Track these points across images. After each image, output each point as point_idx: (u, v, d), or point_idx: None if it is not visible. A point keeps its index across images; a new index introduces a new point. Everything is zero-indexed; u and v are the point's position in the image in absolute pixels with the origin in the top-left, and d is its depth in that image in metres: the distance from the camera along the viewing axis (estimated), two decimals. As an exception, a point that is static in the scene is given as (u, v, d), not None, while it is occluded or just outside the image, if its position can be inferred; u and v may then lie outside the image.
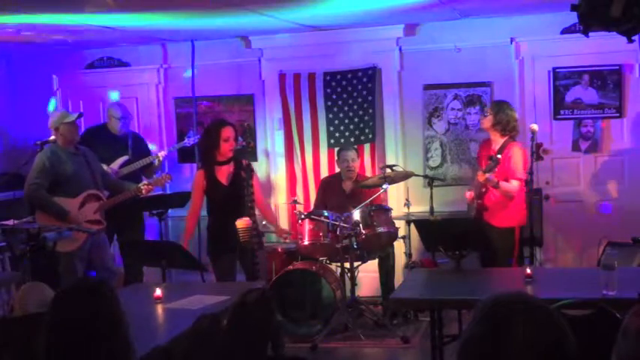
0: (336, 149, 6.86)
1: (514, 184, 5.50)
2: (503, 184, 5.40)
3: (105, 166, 6.31)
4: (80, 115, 5.86)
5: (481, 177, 5.34)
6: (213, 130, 5.48)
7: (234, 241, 5.13)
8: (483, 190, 5.55)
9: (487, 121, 5.67)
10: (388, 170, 6.21)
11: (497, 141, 5.64)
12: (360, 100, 7.06)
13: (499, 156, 5.29)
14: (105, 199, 5.78)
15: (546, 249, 6.67)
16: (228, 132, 5.40)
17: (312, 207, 6.75)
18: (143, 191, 5.84)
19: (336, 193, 6.58)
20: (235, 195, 5.33)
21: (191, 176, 7.20)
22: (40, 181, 5.61)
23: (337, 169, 6.76)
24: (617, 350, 1.67)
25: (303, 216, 6.01)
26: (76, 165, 5.69)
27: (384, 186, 6.14)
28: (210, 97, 7.49)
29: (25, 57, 7.78)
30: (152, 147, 7.29)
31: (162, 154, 6.80)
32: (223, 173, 5.53)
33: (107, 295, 2.21)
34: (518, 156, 5.52)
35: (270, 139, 7.35)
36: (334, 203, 6.43)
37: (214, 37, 7.21)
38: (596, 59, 6.56)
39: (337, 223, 5.87)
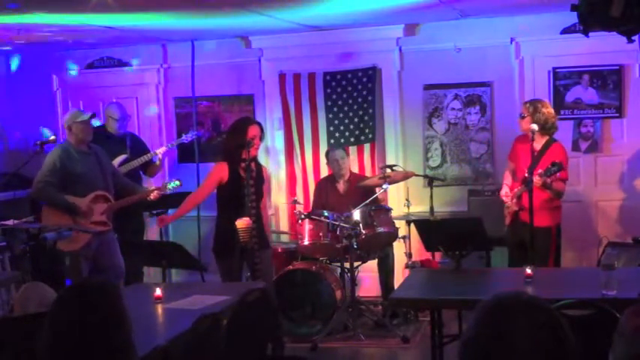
0: (324, 152, 6.85)
1: (563, 185, 5.44)
2: (556, 185, 5.30)
3: None
4: (93, 116, 5.83)
5: (538, 181, 5.13)
6: (241, 127, 5.33)
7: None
8: (524, 191, 5.48)
9: (525, 123, 5.46)
10: (388, 170, 6.21)
11: (538, 140, 5.46)
12: (360, 100, 7.06)
13: (559, 161, 5.15)
14: (113, 200, 5.74)
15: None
16: (255, 130, 5.29)
17: (310, 208, 6.75)
18: (151, 197, 5.80)
19: (331, 193, 6.59)
20: (257, 194, 5.26)
21: (191, 176, 7.23)
22: (49, 179, 5.60)
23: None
24: (614, 350, 1.67)
25: (303, 216, 6.00)
26: (87, 164, 5.68)
27: (384, 186, 6.15)
28: (210, 97, 7.49)
29: (25, 57, 7.79)
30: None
31: (160, 150, 6.79)
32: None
33: (111, 295, 2.21)
34: (563, 157, 5.41)
35: (270, 139, 7.34)
36: (330, 203, 6.44)
37: (214, 37, 7.21)
38: (596, 59, 6.56)
39: (337, 223, 5.88)
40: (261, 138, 5.37)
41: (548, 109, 5.51)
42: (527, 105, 5.55)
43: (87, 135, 5.73)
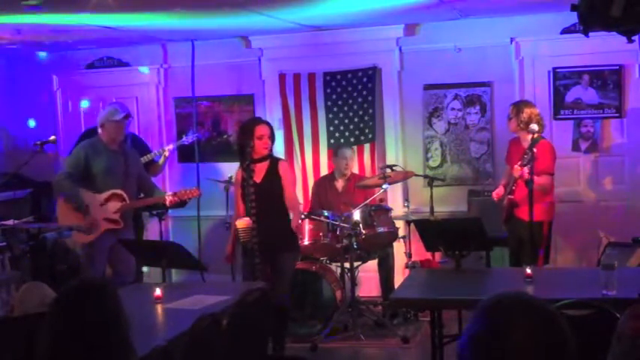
0: (334, 148, 6.88)
1: (546, 178, 5.54)
2: (537, 179, 5.36)
3: None
4: (127, 116, 5.82)
5: (516, 172, 5.33)
6: (248, 127, 5.31)
7: (267, 241, 5.09)
8: (514, 187, 5.55)
9: (512, 124, 5.68)
10: (388, 170, 6.21)
11: (527, 139, 5.56)
12: (360, 100, 7.06)
13: (535, 150, 5.25)
14: (128, 201, 5.73)
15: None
16: (262, 130, 5.24)
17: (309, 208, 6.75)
18: (166, 202, 5.79)
19: (329, 192, 6.61)
20: (268, 193, 5.23)
21: (191, 177, 7.23)
22: (70, 171, 5.65)
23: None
24: (612, 354, 1.67)
25: (303, 216, 6.00)
26: (111, 163, 5.68)
27: (384, 186, 6.14)
28: (210, 97, 7.49)
29: (25, 57, 7.79)
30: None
31: (169, 147, 6.76)
32: (257, 171, 5.29)
33: (109, 295, 2.21)
34: (546, 151, 5.53)
35: (270, 139, 7.33)
36: (328, 202, 6.47)
37: (214, 37, 7.21)
38: (596, 59, 6.55)
39: (337, 223, 5.88)
40: (271, 137, 5.33)
41: (531, 109, 5.65)
42: (512, 107, 5.76)
43: (118, 134, 5.74)
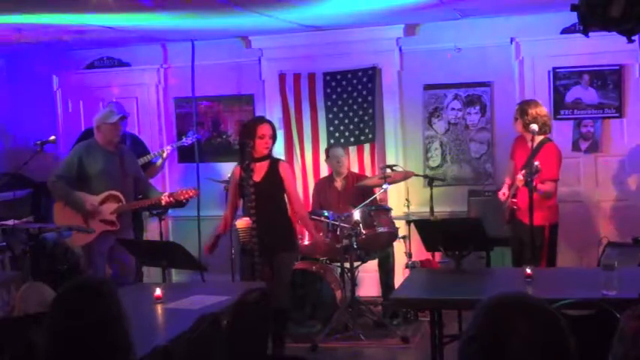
0: (325, 148, 6.89)
1: (550, 185, 5.47)
2: (541, 186, 5.31)
3: None
4: (123, 118, 5.82)
5: (520, 182, 5.24)
6: (250, 126, 5.33)
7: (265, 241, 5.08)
8: (517, 192, 5.51)
9: (519, 125, 5.58)
10: (388, 170, 6.21)
11: (535, 140, 5.48)
12: (360, 100, 7.06)
13: (537, 163, 5.17)
14: (125, 202, 5.73)
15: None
16: (264, 129, 5.25)
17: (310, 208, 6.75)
18: (162, 202, 5.80)
19: (329, 192, 6.62)
20: (267, 193, 5.21)
21: (191, 176, 7.23)
22: (62, 174, 5.67)
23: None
24: (614, 354, 1.67)
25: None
26: (108, 164, 5.68)
27: (384, 186, 6.15)
28: (210, 97, 7.49)
29: (25, 57, 7.79)
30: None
31: (167, 149, 6.77)
32: (256, 170, 5.27)
33: (108, 294, 2.21)
34: (552, 157, 5.48)
35: (270, 139, 7.33)
36: (328, 202, 6.48)
37: (214, 37, 7.21)
38: (596, 59, 6.55)
39: (337, 223, 5.88)
40: (273, 137, 5.33)
41: (536, 110, 5.54)
42: (517, 108, 5.68)
43: (114, 136, 5.76)
